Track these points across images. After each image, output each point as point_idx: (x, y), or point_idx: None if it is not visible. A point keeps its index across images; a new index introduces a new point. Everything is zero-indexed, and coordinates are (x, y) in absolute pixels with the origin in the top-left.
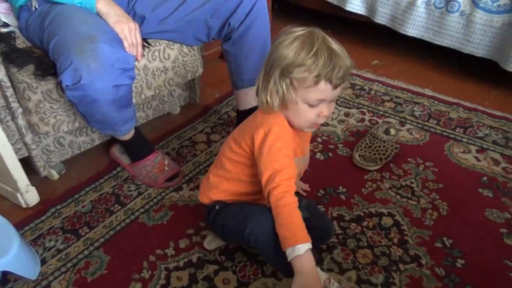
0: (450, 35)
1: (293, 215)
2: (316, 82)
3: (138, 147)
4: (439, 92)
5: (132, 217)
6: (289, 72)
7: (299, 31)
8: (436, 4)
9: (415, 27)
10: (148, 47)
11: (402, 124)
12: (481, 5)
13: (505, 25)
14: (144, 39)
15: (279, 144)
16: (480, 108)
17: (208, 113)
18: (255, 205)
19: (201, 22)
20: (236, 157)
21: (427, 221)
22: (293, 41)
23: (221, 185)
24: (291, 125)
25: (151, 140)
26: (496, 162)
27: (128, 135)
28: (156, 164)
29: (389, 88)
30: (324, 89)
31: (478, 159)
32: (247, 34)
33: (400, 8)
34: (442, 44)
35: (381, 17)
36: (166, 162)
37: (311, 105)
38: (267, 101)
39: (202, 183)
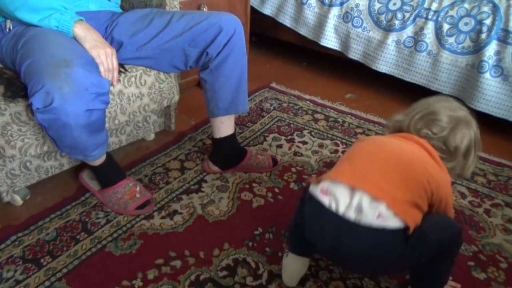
0: (419, 73)
1: None
2: None
3: (109, 173)
4: None
5: (99, 245)
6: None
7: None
8: (405, 43)
9: (386, 63)
10: (124, 73)
11: None
12: (447, 46)
13: (469, 65)
14: (121, 65)
15: None
16: None
17: (183, 140)
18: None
19: (179, 50)
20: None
21: None
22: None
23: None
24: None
25: (124, 166)
26: (463, 196)
27: (99, 161)
28: (127, 191)
29: (362, 121)
30: None
31: None
32: (224, 63)
33: (372, 45)
34: (411, 80)
35: (354, 53)
36: (137, 189)
37: None
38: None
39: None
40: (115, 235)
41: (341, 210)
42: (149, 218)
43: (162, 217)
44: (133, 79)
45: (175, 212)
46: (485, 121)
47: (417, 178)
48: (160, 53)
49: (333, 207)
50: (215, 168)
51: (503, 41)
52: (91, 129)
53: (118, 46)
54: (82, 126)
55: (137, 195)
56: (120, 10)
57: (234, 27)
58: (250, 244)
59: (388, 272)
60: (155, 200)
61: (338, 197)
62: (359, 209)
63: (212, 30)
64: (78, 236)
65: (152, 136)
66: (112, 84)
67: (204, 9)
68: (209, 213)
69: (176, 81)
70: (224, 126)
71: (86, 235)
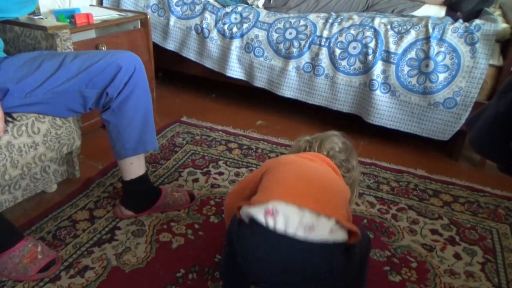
0: (320, 95)
1: None
2: None
3: (1, 236)
4: None
5: None
6: None
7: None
8: (304, 69)
9: (289, 89)
10: (12, 122)
11: None
12: (341, 68)
13: (362, 84)
14: (8, 114)
15: None
16: None
17: (90, 187)
18: None
19: (74, 92)
20: None
21: None
22: None
23: None
24: None
25: (21, 225)
26: (372, 205)
27: None
28: (26, 253)
29: (274, 146)
30: None
31: (357, 204)
32: (127, 102)
33: (275, 73)
34: (314, 103)
35: (259, 81)
36: (38, 249)
37: None
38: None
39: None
40: None
41: (291, 230)
42: (55, 280)
43: (71, 276)
44: (23, 127)
45: (86, 268)
46: (382, 133)
47: (342, 196)
48: (53, 97)
49: (280, 227)
50: (128, 213)
51: (386, 61)
52: None
53: (2, 94)
54: None
55: (39, 256)
56: (4, 55)
57: (134, 65)
58: None
59: None
60: (62, 258)
61: (288, 216)
62: (310, 227)
63: (111, 69)
64: None
65: (54, 187)
66: None
67: (103, 48)
68: (125, 263)
69: (76, 125)
70: (134, 167)
71: None
